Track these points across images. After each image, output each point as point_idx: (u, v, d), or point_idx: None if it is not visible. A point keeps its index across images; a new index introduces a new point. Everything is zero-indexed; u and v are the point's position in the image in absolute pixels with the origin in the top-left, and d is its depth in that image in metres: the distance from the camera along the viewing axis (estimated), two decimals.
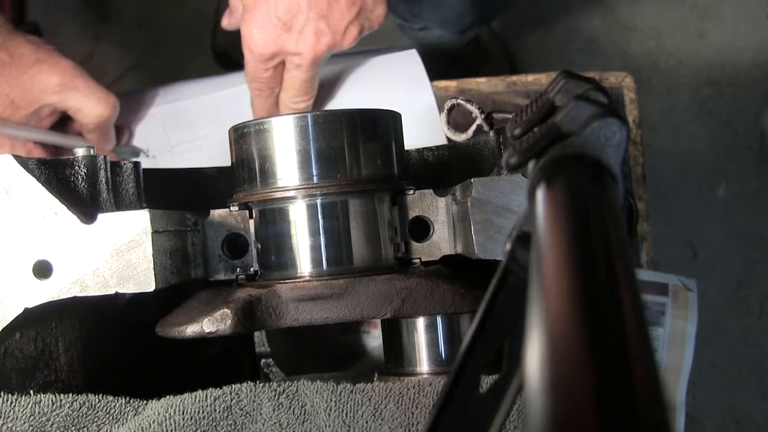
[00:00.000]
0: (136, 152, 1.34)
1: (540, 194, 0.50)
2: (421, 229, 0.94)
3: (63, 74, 1.19)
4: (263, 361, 1.08)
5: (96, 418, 0.81)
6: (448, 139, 1.00)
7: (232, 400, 0.81)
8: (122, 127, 1.33)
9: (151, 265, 0.80)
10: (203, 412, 0.80)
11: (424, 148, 1.04)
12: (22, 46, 1.19)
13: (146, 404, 0.83)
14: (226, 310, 0.83)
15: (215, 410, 0.81)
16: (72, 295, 0.80)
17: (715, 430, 2.20)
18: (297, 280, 0.88)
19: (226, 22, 1.33)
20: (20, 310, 0.80)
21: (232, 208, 0.92)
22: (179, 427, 0.80)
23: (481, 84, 1.36)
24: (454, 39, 1.77)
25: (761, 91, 2.37)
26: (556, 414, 0.33)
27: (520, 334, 0.42)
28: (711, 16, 2.43)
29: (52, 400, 0.80)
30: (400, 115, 0.95)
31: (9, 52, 1.18)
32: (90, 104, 1.21)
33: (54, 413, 0.80)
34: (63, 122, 1.28)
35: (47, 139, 1.24)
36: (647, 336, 0.38)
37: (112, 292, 0.80)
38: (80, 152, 0.86)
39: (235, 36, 1.24)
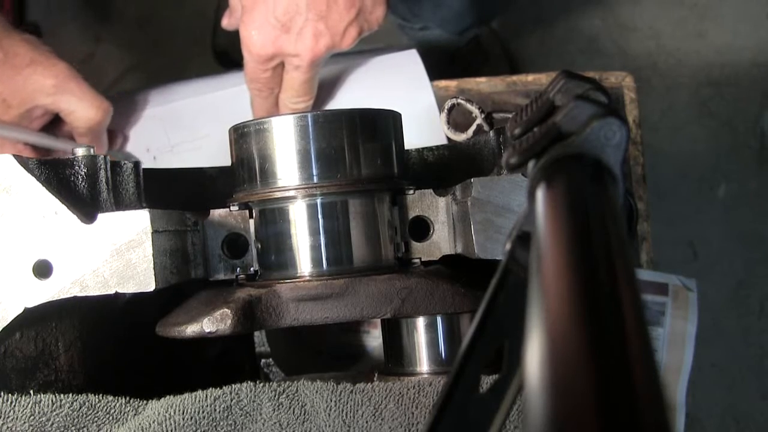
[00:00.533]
0: (129, 158, 1.33)
1: (540, 194, 0.50)
2: (421, 229, 0.94)
3: (57, 76, 1.18)
4: (263, 361, 1.08)
5: (96, 418, 0.81)
6: (448, 139, 1.00)
7: (232, 400, 0.81)
8: (115, 131, 1.33)
9: (151, 265, 0.80)
10: (203, 412, 0.80)
11: (424, 148, 1.04)
12: (17, 46, 1.18)
13: (146, 404, 0.83)
14: (226, 310, 0.83)
15: (215, 410, 0.81)
16: (72, 295, 0.80)
17: (715, 430, 2.20)
18: (297, 279, 0.88)
19: (226, 22, 1.33)
20: (20, 310, 0.80)
21: (232, 208, 0.92)
22: (179, 427, 0.80)
23: (481, 84, 1.36)
24: (454, 39, 1.77)
25: (761, 91, 2.37)
26: (556, 414, 0.33)
27: (520, 334, 0.42)
28: (711, 16, 2.43)
29: (52, 400, 0.80)
30: (400, 115, 0.95)
31: (4, 50, 1.18)
32: (83, 107, 1.20)
33: (54, 413, 0.80)
34: (54, 124, 1.28)
35: (38, 141, 1.24)
36: (647, 336, 0.38)
37: (112, 292, 0.80)
38: (80, 152, 0.86)
39: (235, 36, 1.24)
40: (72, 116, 1.22)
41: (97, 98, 1.22)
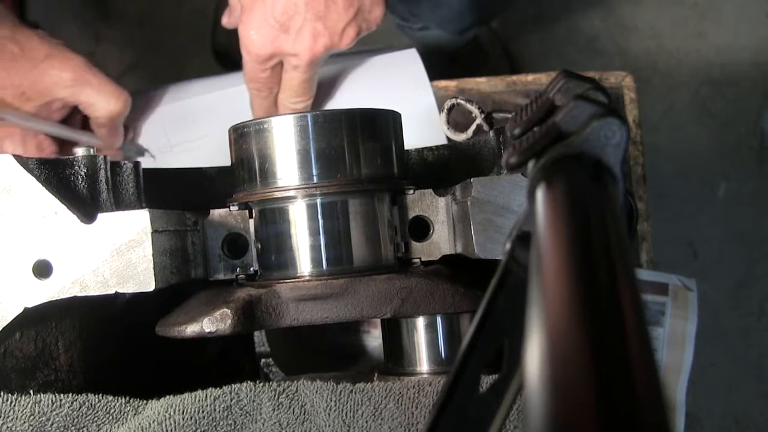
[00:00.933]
0: (141, 151, 1.34)
1: (540, 194, 0.50)
2: (421, 228, 0.94)
3: (75, 70, 1.20)
4: (263, 361, 1.08)
5: (96, 418, 0.81)
6: (448, 138, 1.00)
7: (232, 400, 0.81)
8: (127, 125, 1.34)
9: (151, 265, 0.80)
10: (203, 412, 0.80)
11: (424, 148, 1.04)
12: (32, 40, 1.19)
13: (146, 404, 0.83)
14: (226, 309, 0.83)
15: (215, 410, 0.81)
16: (72, 295, 0.80)
17: (715, 430, 2.20)
18: (297, 279, 0.88)
19: (226, 21, 1.33)
20: (20, 310, 0.80)
21: (232, 208, 0.92)
22: (179, 427, 0.80)
23: (481, 84, 1.36)
24: (454, 39, 1.77)
25: (761, 91, 2.37)
26: (556, 414, 0.33)
27: (520, 334, 0.42)
28: (711, 16, 2.43)
29: (52, 400, 0.80)
30: (400, 115, 0.95)
31: (20, 44, 1.19)
32: (102, 99, 1.22)
33: (54, 413, 0.80)
34: (70, 116, 1.28)
35: (59, 132, 1.25)
36: (647, 336, 0.38)
37: (112, 291, 0.80)
38: (80, 152, 0.86)
39: (235, 35, 1.24)
40: (91, 108, 1.23)
41: (116, 89, 1.23)
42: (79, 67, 1.20)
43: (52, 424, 0.80)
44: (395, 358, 0.95)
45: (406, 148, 0.98)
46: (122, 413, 0.82)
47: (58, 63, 1.19)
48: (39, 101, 1.20)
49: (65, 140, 1.27)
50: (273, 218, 0.90)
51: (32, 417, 0.80)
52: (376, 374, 0.94)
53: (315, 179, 0.88)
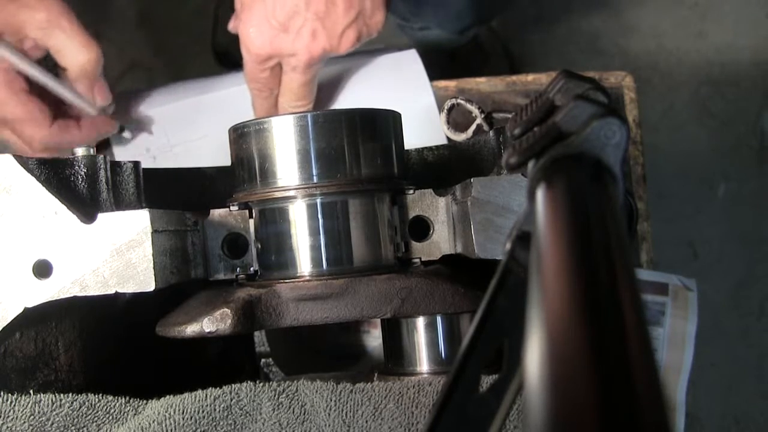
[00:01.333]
0: (140, 125, 1.33)
1: (540, 194, 0.50)
2: (421, 228, 0.94)
3: (50, 10, 1.17)
4: (263, 361, 1.08)
5: (96, 418, 0.81)
6: (448, 138, 1.00)
7: (232, 400, 0.81)
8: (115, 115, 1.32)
9: (151, 265, 0.80)
10: (203, 412, 0.80)
11: (424, 148, 1.04)
12: None
13: (146, 404, 0.83)
14: (226, 309, 0.83)
15: (215, 410, 0.81)
16: (72, 295, 0.80)
17: (715, 430, 2.20)
18: (297, 279, 0.88)
19: (233, 26, 1.33)
20: (20, 310, 0.80)
21: (232, 208, 0.92)
22: (179, 427, 0.80)
23: (481, 84, 1.36)
24: (454, 38, 1.77)
25: (761, 91, 2.37)
26: (556, 414, 0.33)
27: (520, 334, 0.42)
28: (711, 15, 2.43)
29: (52, 400, 0.80)
30: (400, 115, 0.95)
31: None
32: (71, 46, 1.18)
33: (54, 413, 0.80)
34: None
35: (33, 72, 1.20)
36: (647, 336, 0.38)
37: (112, 291, 0.80)
38: (80, 152, 0.86)
39: (236, 35, 1.24)
40: (60, 55, 1.19)
41: (87, 39, 1.19)
42: (54, 10, 1.17)
43: (52, 424, 0.80)
44: (395, 358, 0.95)
45: (406, 148, 0.98)
46: (122, 413, 0.82)
47: (34, 2, 1.16)
48: (11, 39, 1.17)
49: (36, 83, 1.22)
50: (273, 218, 0.90)
51: (32, 417, 0.80)
52: (376, 374, 0.94)
53: (315, 179, 0.88)
